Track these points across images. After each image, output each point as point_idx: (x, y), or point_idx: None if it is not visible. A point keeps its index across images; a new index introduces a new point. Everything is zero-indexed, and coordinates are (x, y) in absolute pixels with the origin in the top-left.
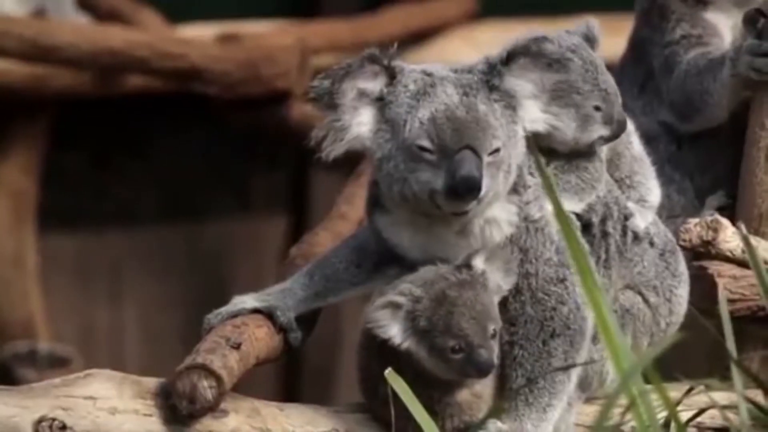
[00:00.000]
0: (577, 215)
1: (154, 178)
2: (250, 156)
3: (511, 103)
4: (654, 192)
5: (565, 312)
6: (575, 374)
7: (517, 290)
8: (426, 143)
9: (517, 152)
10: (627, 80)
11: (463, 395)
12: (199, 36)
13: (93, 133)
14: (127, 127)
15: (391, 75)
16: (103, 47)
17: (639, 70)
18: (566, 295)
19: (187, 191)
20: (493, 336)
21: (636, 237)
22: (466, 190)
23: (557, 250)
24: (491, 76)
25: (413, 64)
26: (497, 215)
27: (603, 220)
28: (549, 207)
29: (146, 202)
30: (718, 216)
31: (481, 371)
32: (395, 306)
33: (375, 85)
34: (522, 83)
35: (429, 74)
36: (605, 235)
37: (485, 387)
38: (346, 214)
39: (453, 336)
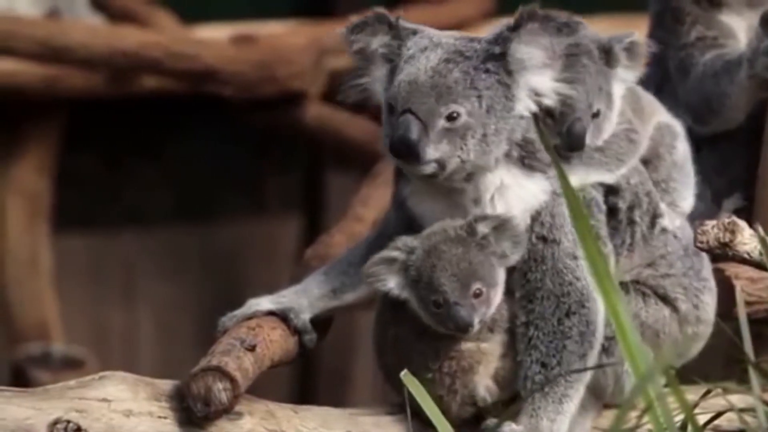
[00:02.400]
0: (604, 199)
1: (168, 179)
2: (264, 157)
3: (505, 80)
4: (687, 200)
5: (579, 287)
6: (591, 361)
7: (541, 257)
8: (392, 103)
9: (506, 126)
10: (642, 83)
11: (468, 345)
12: (213, 37)
13: (106, 135)
14: (141, 128)
15: (400, 37)
16: (116, 48)
17: (654, 73)
18: (578, 272)
19: (200, 192)
20: (478, 295)
21: (663, 230)
22: (401, 151)
23: None
24: (495, 44)
25: (432, 29)
26: (508, 183)
27: (630, 208)
28: (576, 180)
29: (160, 204)
30: (735, 218)
31: (458, 327)
32: (390, 261)
33: (391, 48)
34: (531, 50)
35: (430, 39)
36: (631, 222)
37: (494, 346)
38: (362, 216)
39: (433, 290)
